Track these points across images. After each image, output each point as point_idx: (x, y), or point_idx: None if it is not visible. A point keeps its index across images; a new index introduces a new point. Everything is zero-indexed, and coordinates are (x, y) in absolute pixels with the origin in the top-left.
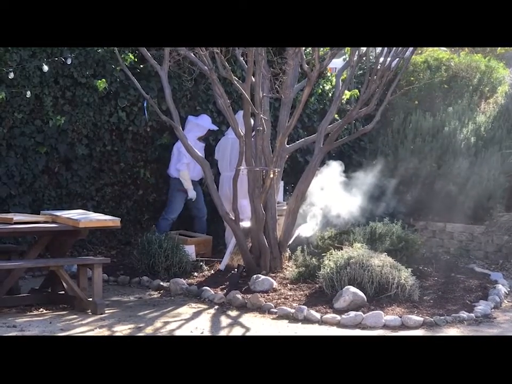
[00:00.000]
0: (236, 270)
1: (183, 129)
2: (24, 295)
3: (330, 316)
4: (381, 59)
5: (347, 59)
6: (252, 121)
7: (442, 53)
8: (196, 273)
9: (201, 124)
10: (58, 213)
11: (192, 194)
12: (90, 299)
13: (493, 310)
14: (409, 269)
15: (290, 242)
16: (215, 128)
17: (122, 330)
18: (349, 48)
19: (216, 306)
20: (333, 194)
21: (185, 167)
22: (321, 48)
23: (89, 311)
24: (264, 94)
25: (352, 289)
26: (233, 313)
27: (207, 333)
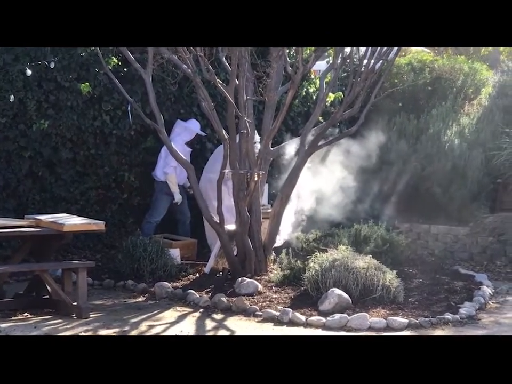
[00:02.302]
0: (220, 273)
1: (168, 133)
2: (8, 299)
3: (315, 318)
4: (365, 61)
5: (331, 61)
6: None
7: (426, 54)
8: (180, 277)
9: (190, 127)
10: (42, 217)
11: (178, 198)
12: (75, 303)
13: (477, 311)
14: (394, 271)
15: (278, 245)
16: (204, 134)
17: (107, 334)
18: (332, 50)
19: (201, 310)
20: (317, 196)
21: (173, 170)
22: (305, 51)
23: (74, 315)
24: (248, 97)
25: (337, 291)
26: (218, 316)
27: None
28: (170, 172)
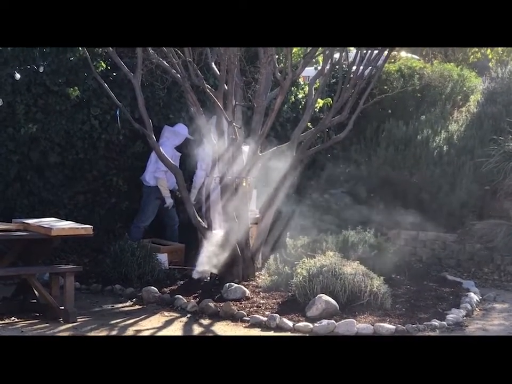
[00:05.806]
0: (208, 278)
1: (156, 138)
2: None
3: (302, 324)
4: (354, 67)
5: (320, 68)
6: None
7: (415, 61)
8: (168, 282)
9: (178, 131)
10: (30, 221)
11: (169, 202)
12: (63, 307)
13: (464, 318)
14: (382, 277)
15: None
16: (192, 137)
17: None
18: (321, 57)
19: (189, 315)
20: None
21: (163, 175)
22: (294, 56)
23: (61, 319)
24: (236, 103)
25: (325, 297)
26: (206, 321)
27: None
28: (161, 176)
